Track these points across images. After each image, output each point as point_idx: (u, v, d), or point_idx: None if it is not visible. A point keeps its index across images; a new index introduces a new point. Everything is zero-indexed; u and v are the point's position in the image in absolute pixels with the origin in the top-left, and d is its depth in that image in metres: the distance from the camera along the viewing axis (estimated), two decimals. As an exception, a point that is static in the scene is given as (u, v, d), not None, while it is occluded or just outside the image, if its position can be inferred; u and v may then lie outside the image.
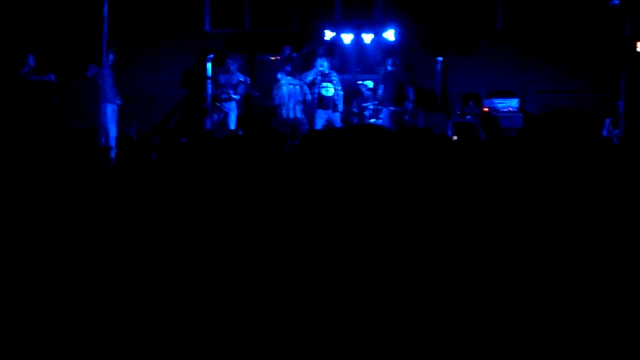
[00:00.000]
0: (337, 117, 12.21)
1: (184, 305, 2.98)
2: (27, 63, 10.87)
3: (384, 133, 4.47)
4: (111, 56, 11.20)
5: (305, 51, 12.89)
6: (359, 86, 12.51)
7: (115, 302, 3.01)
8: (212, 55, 12.18)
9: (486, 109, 12.85)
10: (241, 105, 12.62)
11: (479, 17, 13.67)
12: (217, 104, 12.26)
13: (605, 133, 11.79)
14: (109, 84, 11.16)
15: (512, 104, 12.91)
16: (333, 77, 12.20)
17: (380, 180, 3.91)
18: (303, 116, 12.09)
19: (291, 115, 12.04)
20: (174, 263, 3.25)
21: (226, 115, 12.34)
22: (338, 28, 12.88)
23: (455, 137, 12.13)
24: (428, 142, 4.64)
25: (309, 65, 12.54)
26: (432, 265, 3.22)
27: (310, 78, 12.14)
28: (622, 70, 11.02)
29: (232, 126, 12.31)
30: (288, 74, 12.18)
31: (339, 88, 12.20)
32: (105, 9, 10.11)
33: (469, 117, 12.69)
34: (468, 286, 3.08)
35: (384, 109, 12.24)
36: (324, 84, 12.11)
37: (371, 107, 12.31)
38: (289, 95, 12.05)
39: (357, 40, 12.86)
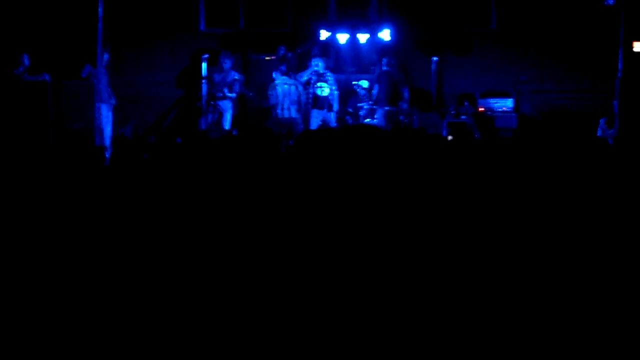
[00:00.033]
0: (332, 117, 12.21)
1: (178, 306, 2.98)
2: (21, 63, 10.86)
3: (378, 133, 4.48)
4: (106, 56, 11.19)
5: (300, 51, 12.88)
6: (354, 86, 12.50)
7: (110, 301, 3.00)
8: (207, 56, 12.18)
9: (481, 109, 12.85)
10: (236, 104, 12.62)
11: (474, 17, 13.67)
12: (212, 102, 12.25)
13: (599, 133, 11.80)
14: (104, 84, 11.15)
15: (507, 104, 12.91)
16: (328, 77, 12.20)
17: (376, 180, 3.91)
18: (298, 116, 12.09)
19: (286, 115, 12.04)
20: (169, 263, 3.24)
21: (221, 115, 12.33)
22: (333, 28, 12.87)
23: (450, 137, 12.12)
24: (423, 142, 4.65)
25: (304, 65, 12.55)
26: (428, 264, 3.22)
27: (305, 78, 12.14)
28: (617, 70, 11.03)
29: (227, 126, 12.29)
30: (283, 73, 12.18)
31: (334, 88, 12.20)
32: (100, 9, 10.10)
33: (463, 117, 12.70)
34: (463, 285, 3.08)
35: (379, 108, 12.24)
36: (319, 84, 12.11)
37: (366, 107, 12.31)
38: (284, 95, 12.05)
39: (352, 40, 12.85)
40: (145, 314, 2.92)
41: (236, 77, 12.39)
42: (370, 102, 12.31)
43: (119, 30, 12.20)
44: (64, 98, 10.13)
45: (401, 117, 12.29)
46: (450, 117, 12.70)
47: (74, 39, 11.57)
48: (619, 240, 3.43)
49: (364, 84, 12.57)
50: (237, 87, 12.37)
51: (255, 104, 12.69)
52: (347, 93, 12.60)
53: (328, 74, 12.23)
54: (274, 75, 12.18)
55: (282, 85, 12.08)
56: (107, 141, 10.84)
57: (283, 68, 12.21)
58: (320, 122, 12.07)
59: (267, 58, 12.91)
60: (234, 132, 11.73)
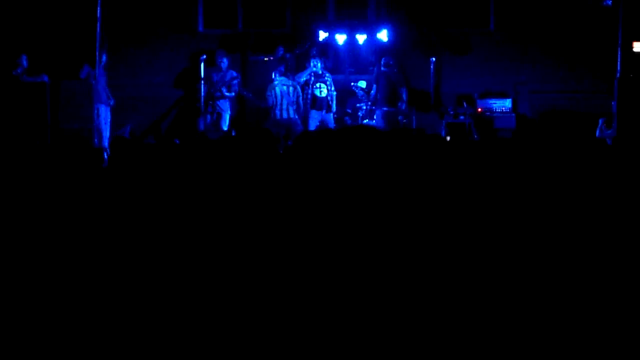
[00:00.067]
0: (330, 118, 12.20)
1: (178, 306, 2.97)
2: (20, 64, 10.86)
3: (377, 133, 4.48)
4: (104, 57, 11.19)
5: (298, 52, 12.88)
6: (353, 87, 12.50)
7: (109, 301, 3.00)
8: (204, 57, 12.18)
9: (480, 110, 12.86)
10: (235, 104, 12.62)
11: (473, 17, 13.68)
12: (211, 102, 12.25)
13: (598, 133, 11.80)
14: (102, 84, 11.16)
15: (506, 104, 12.92)
16: (326, 78, 12.20)
17: (374, 180, 3.91)
18: (296, 117, 12.08)
19: (284, 115, 12.03)
20: (168, 263, 3.24)
21: (219, 115, 12.33)
22: (331, 28, 12.87)
23: (448, 138, 12.13)
24: (421, 143, 4.65)
25: (302, 65, 12.54)
26: (427, 264, 3.22)
27: (303, 79, 12.14)
28: (615, 70, 11.04)
29: (225, 127, 12.29)
30: (281, 74, 12.17)
31: (333, 88, 12.19)
32: (99, 10, 10.10)
33: (462, 117, 12.70)
34: (463, 285, 3.08)
35: (378, 109, 12.24)
36: (318, 85, 12.11)
37: (364, 107, 12.31)
38: (282, 96, 12.04)
39: (351, 40, 12.85)
40: (145, 314, 2.92)
41: (234, 75, 12.40)
42: (368, 103, 12.31)
43: (117, 31, 12.21)
44: (63, 99, 10.15)
45: (400, 118, 12.29)
46: (448, 117, 12.70)
47: (73, 40, 11.57)
48: (618, 240, 3.43)
49: (363, 84, 12.57)
50: (235, 87, 12.38)
51: (253, 105, 12.68)
52: (345, 94, 12.60)
53: (326, 74, 12.23)
54: (273, 75, 12.18)
55: (281, 85, 12.07)
56: (106, 142, 10.84)
57: (281, 69, 12.20)
58: (318, 123, 12.06)
59: (265, 59, 12.90)
60: (233, 133, 11.72)
